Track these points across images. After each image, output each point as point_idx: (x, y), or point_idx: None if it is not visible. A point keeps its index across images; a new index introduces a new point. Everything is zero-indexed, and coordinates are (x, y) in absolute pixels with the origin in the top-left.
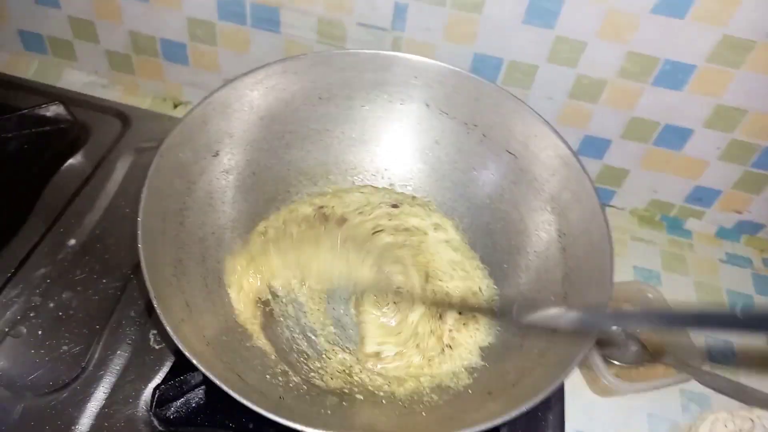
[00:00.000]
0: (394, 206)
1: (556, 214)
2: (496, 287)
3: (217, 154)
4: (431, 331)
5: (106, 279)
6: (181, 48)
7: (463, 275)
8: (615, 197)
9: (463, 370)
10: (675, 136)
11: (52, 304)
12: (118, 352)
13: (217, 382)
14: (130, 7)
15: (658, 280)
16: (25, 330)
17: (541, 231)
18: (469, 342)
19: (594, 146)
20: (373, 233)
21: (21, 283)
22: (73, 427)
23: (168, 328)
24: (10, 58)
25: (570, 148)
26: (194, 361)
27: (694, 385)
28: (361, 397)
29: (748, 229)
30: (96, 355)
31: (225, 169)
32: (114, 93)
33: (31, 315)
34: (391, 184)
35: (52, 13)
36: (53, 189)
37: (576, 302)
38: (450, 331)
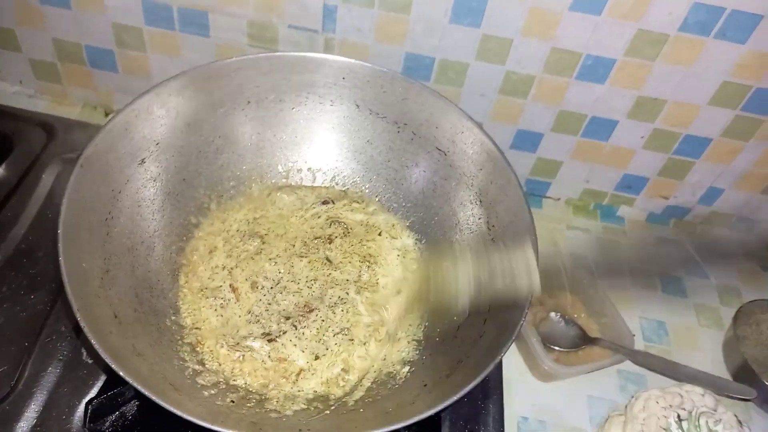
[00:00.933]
0: (325, 202)
1: (485, 207)
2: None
3: (143, 162)
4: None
5: (34, 294)
6: (108, 54)
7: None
8: (550, 188)
9: (400, 363)
10: (601, 128)
11: None
12: (50, 368)
13: (146, 392)
14: (52, 13)
15: (594, 267)
16: None
17: (472, 224)
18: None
19: (527, 140)
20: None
21: None
22: None
23: (93, 341)
24: None
25: (494, 143)
26: (121, 373)
27: (629, 366)
28: (294, 402)
29: (676, 213)
30: (26, 373)
31: (152, 177)
32: (41, 103)
33: None
34: (324, 184)
35: None
36: None
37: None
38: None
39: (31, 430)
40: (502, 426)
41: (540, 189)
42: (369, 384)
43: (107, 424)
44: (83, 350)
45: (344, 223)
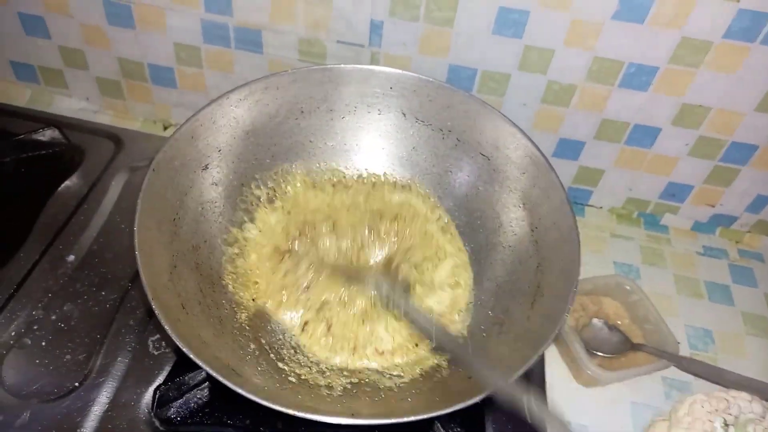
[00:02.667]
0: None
1: (528, 210)
2: (473, 283)
3: (206, 168)
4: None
5: (105, 291)
6: (168, 72)
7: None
8: (592, 197)
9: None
10: (645, 135)
11: (54, 317)
12: (119, 358)
13: (213, 373)
14: (118, 34)
15: (638, 274)
16: (29, 341)
17: (515, 226)
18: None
19: (569, 148)
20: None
21: (23, 299)
22: (77, 431)
23: (165, 324)
24: (3, 87)
25: (537, 147)
26: (191, 355)
27: (675, 373)
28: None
29: (722, 221)
30: (98, 363)
31: (214, 182)
32: (105, 117)
33: (35, 327)
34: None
35: (42, 44)
36: (51, 209)
37: (548, 290)
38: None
39: (102, 414)
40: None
41: (582, 197)
42: (417, 374)
43: (173, 410)
44: (149, 342)
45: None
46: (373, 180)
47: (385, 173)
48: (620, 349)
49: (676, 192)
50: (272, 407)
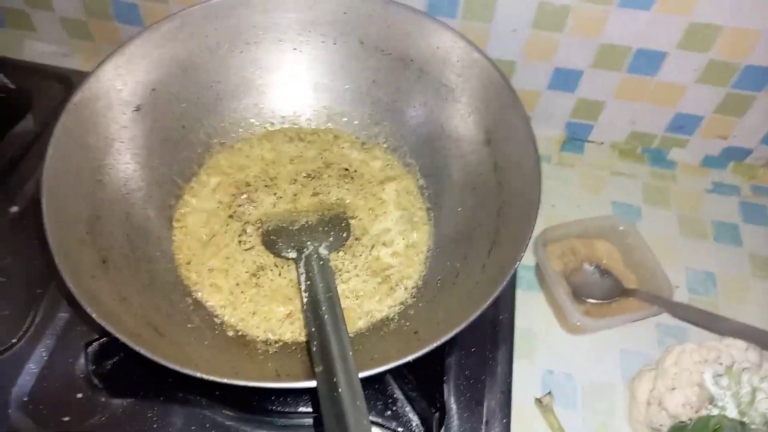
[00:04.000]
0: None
1: (492, 147)
2: (434, 229)
3: (138, 109)
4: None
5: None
6: (133, 8)
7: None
8: (593, 132)
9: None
10: (648, 61)
11: None
12: (60, 314)
13: (119, 335)
14: None
15: (638, 215)
16: None
17: (479, 166)
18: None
19: (565, 79)
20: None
21: None
22: (11, 389)
23: (67, 281)
24: None
25: (504, 76)
26: (93, 315)
27: (669, 320)
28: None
29: (735, 155)
30: (37, 319)
31: (149, 124)
32: (75, 62)
33: None
34: (329, 126)
35: None
36: None
37: (506, 238)
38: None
39: (39, 371)
40: (510, 376)
41: (582, 132)
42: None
43: (109, 367)
44: None
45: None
46: (334, 134)
47: (344, 120)
48: (611, 294)
49: (684, 124)
50: (181, 371)
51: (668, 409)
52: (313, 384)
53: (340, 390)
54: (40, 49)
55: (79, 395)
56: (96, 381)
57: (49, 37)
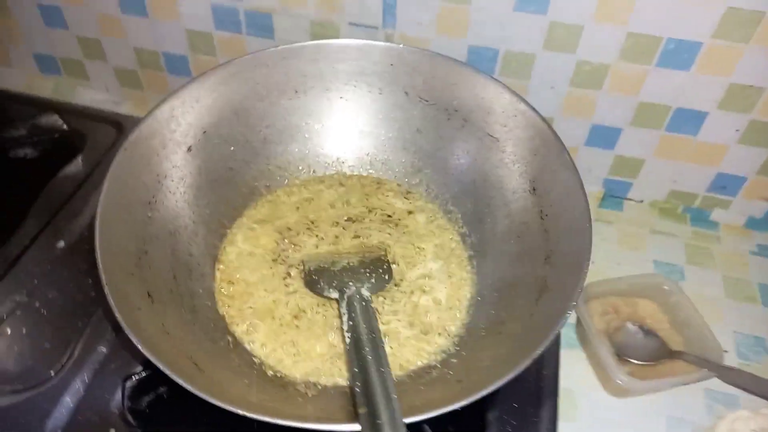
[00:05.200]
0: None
1: (538, 195)
2: (477, 278)
3: (189, 150)
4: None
5: (91, 278)
6: (182, 60)
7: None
8: (632, 189)
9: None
10: (689, 120)
11: (37, 303)
12: (98, 348)
13: (161, 366)
14: (132, 23)
15: (681, 275)
16: (8, 329)
17: (524, 214)
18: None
19: (603, 136)
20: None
21: (10, 284)
22: (46, 421)
23: (114, 309)
24: (29, 81)
25: (548, 124)
26: (138, 345)
27: (719, 385)
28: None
29: None
30: (76, 352)
31: (198, 165)
32: (125, 109)
33: (17, 314)
34: (371, 172)
35: (62, 34)
36: (48, 195)
37: (555, 285)
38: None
39: (75, 405)
40: None
41: (620, 190)
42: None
43: (145, 404)
44: None
45: (391, 215)
46: (376, 180)
47: (387, 168)
48: (656, 356)
49: (726, 184)
50: (221, 406)
51: None
52: (356, 428)
53: None
54: (93, 96)
55: (113, 431)
56: (130, 418)
57: (101, 85)
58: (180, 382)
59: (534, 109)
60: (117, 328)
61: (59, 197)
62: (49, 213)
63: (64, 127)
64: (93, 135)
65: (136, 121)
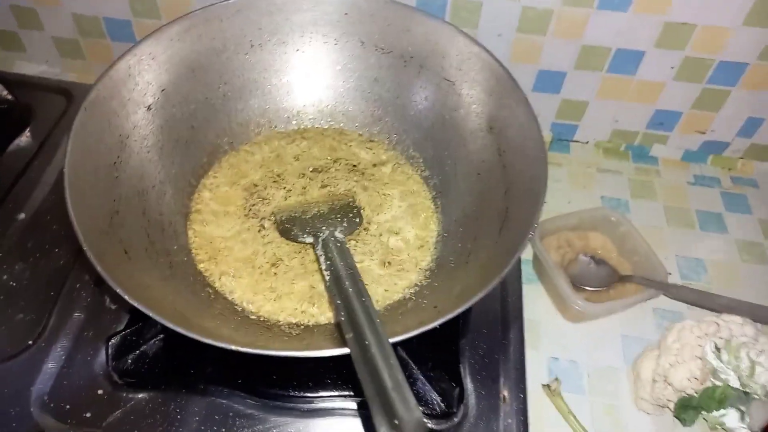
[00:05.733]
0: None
1: (495, 133)
2: (441, 215)
3: (149, 108)
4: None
5: (58, 248)
6: (125, 25)
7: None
8: (578, 131)
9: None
10: (628, 61)
11: (5, 276)
12: (75, 314)
13: (152, 314)
14: None
15: (627, 208)
16: None
17: (483, 152)
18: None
19: (549, 81)
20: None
21: None
22: (31, 388)
23: (97, 266)
24: None
25: (501, 64)
26: (125, 296)
27: (665, 302)
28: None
29: (713, 148)
30: (51, 320)
31: (160, 123)
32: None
33: None
34: (333, 125)
35: None
36: (1, 168)
37: (515, 214)
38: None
39: (58, 371)
40: (523, 355)
41: (567, 132)
42: (380, 309)
43: (129, 361)
44: (106, 297)
45: (356, 164)
46: (339, 131)
47: (348, 118)
48: (608, 282)
49: (663, 120)
50: (216, 344)
51: (674, 383)
52: (344, 351)
53: (372, 351)
54: (32, 69)
55: (100, 391)
56: (116, 377)
57: (40, 57)
58: (172, 326)
59: (487, 50)
60: (95, 290)
61: (13, 170)
62: (4, 188)
63: (9, 97)
64: (41, 106)
65: (87, 88)
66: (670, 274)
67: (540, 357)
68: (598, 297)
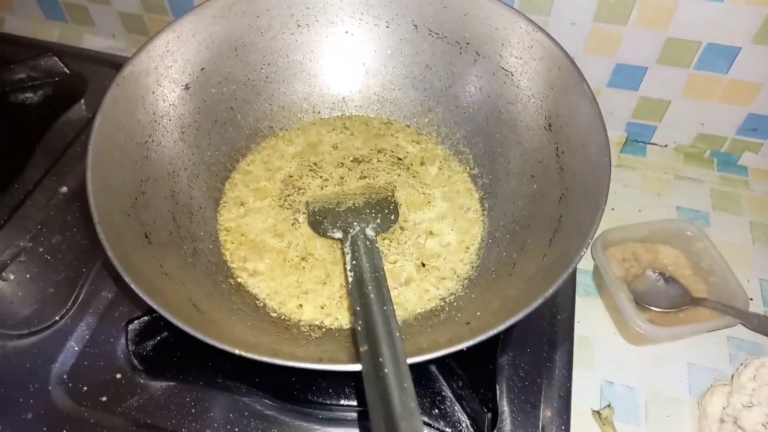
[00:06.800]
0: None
1: (554, 131)
2: (486, 216)
3: (187, 87)
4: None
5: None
6: (187, 2)
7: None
8: (656, 133)
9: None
10: (719, 57)
11: (41, 249)
12: (103, 293)
13: (154, 305)
14: None
15: (706, 221)
16: (12, 275)
17: (540, 151)
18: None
19: (628, 76)
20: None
21: (13, 230)
22: (52, 366)
23: (108, 250)
24: (34, 28)
25: (566, 53)
26: (132, 285)
27: (743, 332)
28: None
29: None
30: (81, 297)
31: (197, 104)
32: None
33: (21, 259)
34: (380, 115)
35: None
36: (50, 139)
37: (570, 224)
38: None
39: (81, 349)
40: (570, 380)
41: (644, 134)
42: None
43: (149, 348)
44: None
45: (402, 159)
46: (384, 122)
47: (395, 107)
48: (678, 303)
49: (757, 126)
50: (215, 345)
51: (745, 427)
52: (357, 367)
53: (385, 370)
54: (99, 43)
55: (119, 375)
56: (136, 362)
57: (107, 31)
58: (173, 320)
59: (551, 37)
60: (116, 273)
61: (61, 142)
62: (52, 158)
63: (65, 70)
64: (94, 78)
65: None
66: (752, 299)
67: (592, 379)
68: (664, 319)
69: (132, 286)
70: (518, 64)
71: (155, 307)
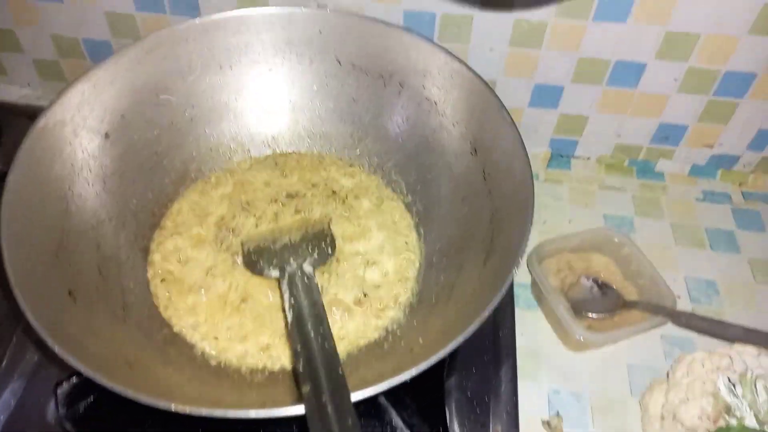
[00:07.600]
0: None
1: (480, 156)
2: (422, 241)
3: (107, 136)
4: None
5: None
6: (105, 46)
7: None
8: (578, 147)
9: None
10: (628, 73)
11: None
12: (27, 356)
13: (80, 367)
14: (48, 8)
15: (631, 226)
16: None
17: (468, 176)
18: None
19: (546, 95)
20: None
21: None
22: None
23: (26, 313)
24: None
25: (486, 83)
26: (51, 344)
27: (674, 330)
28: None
29: (722, 162)
30: (4, 362)
31: (119, 152)
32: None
33: None
34: (311, 150)
35: None
36: None
37: (501, 244)
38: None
39: (7, 418)
40: (516, 395)
41: (567, 148)
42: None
43: (82, 409)
44: None
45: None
46: (316, 157)
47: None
48: (612, 308)
49: (669, 134)
50: (149, 403)
51: (684, 421)
52: (300, 410)
53: (328, 409)
54: (14, 92)
55: None
56: (68, 426)
57: (21, 79)
58: (102, 382)
59: (469, 68)
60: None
61: None
62: None
63: None
64: (9, 130)
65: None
66: (679, 297)
67: (539, 389)
68: (601, 324)
69: (55, 349)
70: (440, 94)
71: (82, 370)
